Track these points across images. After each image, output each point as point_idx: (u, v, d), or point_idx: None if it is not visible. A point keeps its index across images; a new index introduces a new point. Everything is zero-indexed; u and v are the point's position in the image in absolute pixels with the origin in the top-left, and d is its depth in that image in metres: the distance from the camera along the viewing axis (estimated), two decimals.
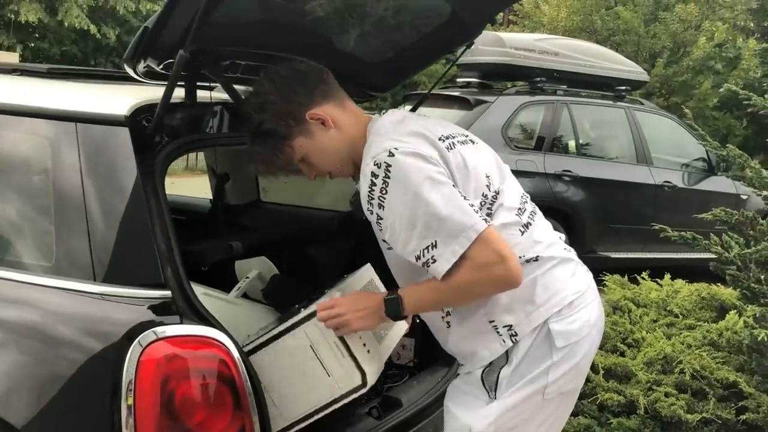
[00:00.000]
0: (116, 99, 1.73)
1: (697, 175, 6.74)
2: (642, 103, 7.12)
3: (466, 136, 1.69)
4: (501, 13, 16.85)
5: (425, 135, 1.55)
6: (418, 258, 1.46)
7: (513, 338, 1.56)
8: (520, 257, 1.55)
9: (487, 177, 1.60)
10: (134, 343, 1.39)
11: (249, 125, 1.66)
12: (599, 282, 4.16)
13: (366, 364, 1.58)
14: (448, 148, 1.55)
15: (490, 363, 1.58)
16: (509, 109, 6.04)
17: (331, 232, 2.48)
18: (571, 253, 1.72)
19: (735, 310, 3.36)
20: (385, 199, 1.45)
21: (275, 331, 1.63)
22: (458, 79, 7.22)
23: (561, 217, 5.98)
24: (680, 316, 3.51)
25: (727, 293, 3.59)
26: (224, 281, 2.37)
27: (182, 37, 1.52)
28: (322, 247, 2.62)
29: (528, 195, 1.72)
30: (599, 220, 6.17)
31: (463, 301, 1.56)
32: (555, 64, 6.40)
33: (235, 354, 1.45)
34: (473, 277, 1.45)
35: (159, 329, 1.42)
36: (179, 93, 1.75)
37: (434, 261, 1.44)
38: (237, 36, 1.91)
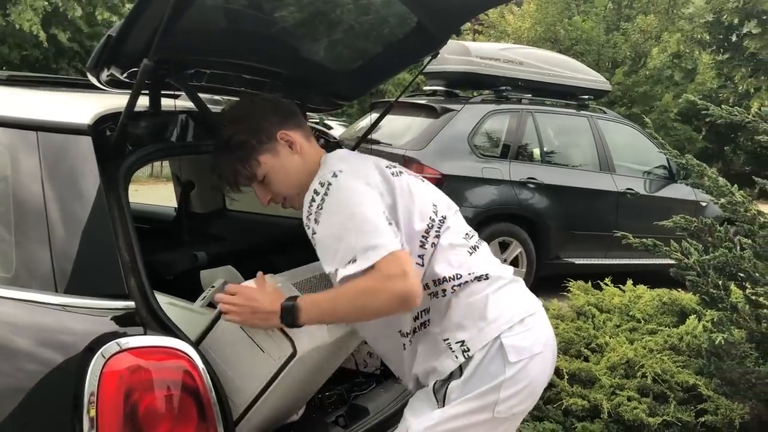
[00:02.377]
0: (79, 107, 1.71)
1: (658, 182, 6.88)
2: (605, 112, 7.25)
3: (416, 175, 1.79)
4: (467, 23, 17.03)
5: (373, 165, 1.66)
6: (340, 272, 1.50)
7: (465, 354, 1.59)
8: (469, 273, 1.62)
9: (434, 205, 1.68)
10: (97, 354, 1.37)
11: (220, 136, 1.73)
12: (563, 288, 4.24)
13: (296, 333, 1.59)
14: (394, 174, 1.66)
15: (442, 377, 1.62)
16: (475, 117, 6.10)
17: (298, 241, 2.47)
18: (519, 279, 1.77)
19: (694, 315, 3.44)
20: (320, 214, 1.53)
21: (211, 318, 1.69)
22: (425, 88, 7.26)
23: (526, 224, 6.05)
24: (642, 321, 3.58)
25: (687, 298, 3.67)
26: (190, 290, 2.35)
27: (146, 46, 1.51)
28: (288, 255, 2.61)
29: (475, 233, 1.79)
30: (563, 226, 6.26)
31: (360, 316, 1.59)
32: (520, 73, 6.48)
33: (200, 364, 1.44)
34: (374, 286, 1.47)
35: (122, 340, 1.40)
36: (143, 102, 1.74)
37: (348, 272, 1.49)
38: (202, 45, 1.90)
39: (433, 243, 1.62)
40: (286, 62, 2.18)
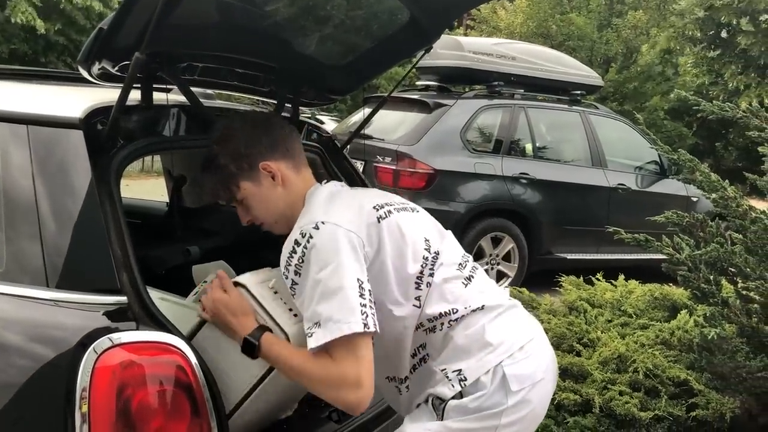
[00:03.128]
0: (70, 101, 1.69)
1: (650, 177, 6.91)
2: (597, 108, 7.27)
3: (405, 204, 1.73)
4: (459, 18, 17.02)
5: (358, 209, 1.60)
6: (307, 328, 1.48)
7: (462, 383, 1.57)
8: (465, 307, 1.60)
9: (426, 241, 1.64)
10: (89, 349, 1.36)
11: (207, 153, 1.74)
12: (555, 283, 4.25)
13: (289, 327, 1.58)
14: (381, 218, 1.60)
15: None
16: (468, 112, 6.10)
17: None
18: (517, 303, 1.74)
19: (686, 310, 3.46)
20: (301, 267, 1.49)
21: (193, 327, 1.68)
22: (417, 83, 7.26)
23: (518, 220, 6.07)
24: (634, 316, 3.60)
25: (678, 293, 3.69)
26: (182, 285, 2.34)
27: (138, 39, 1.49)
28: (281, 251, 2.60)
29: (470, 255, 1.76)
30: (556, 221, 6.28)
31: (306, 387, 1.59)
32: (512, 68, 6.49)
33: (193, 360, 1.43)
34: (328, 382, 1.46)
35: (114, 336, 1.39)
36: (135, 95, 1.72)
37: (310, 336, 1.46)
38: (194, 38, 1.89)
39: (428, 282, 1.60)
40: (279, 56, 2.17)
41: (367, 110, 7.21)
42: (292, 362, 1.50)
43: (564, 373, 3.11)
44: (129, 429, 1.36)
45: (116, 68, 1.69)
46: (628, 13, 15.01)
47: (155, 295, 2.17)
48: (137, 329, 1.44)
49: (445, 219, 5.67)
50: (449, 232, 1.77)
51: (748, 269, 2.77)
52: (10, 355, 1.47)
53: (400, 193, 6.87)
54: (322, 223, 1.51)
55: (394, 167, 5.72)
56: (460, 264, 1.68)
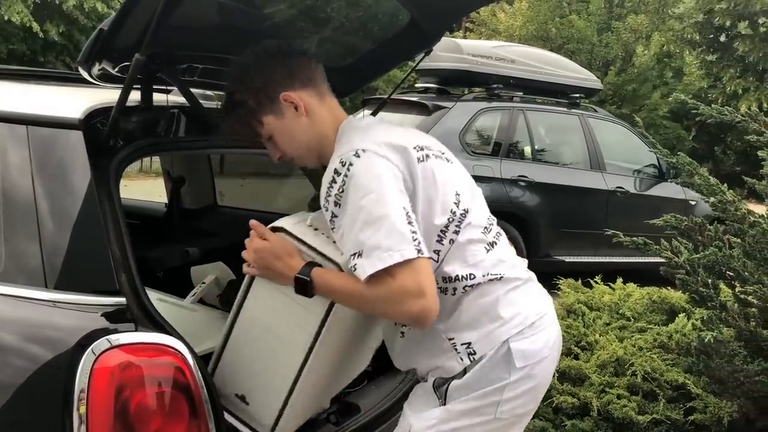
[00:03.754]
0: (70, 102, 1.69)
1: (648, 181, 6.91)
2: (596, 111, 7.28)
3: (443, 152, 1.63)
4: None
5: (397, 143, 1.51)
6: (348, 263, 1.43)
7: (471, 357, 1.53)
8: (484, 275, 1.55)
9: (457, 195, 1.57)
10: (87, 351, 1.36)
11: (225, 96, 1.65)
12: (553, 286, 4.25)
13: (335, 252, 1.51)
14: (419, 159, 1.52)
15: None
16: (467, 114, 6.11)
17: None
18: (533, 276, 1.71)
19: (684, 313, 3.46)
20: (341, 197, 1.43)
21: (241, 294, 1.63)
22: (417, 85, 7.26)
23: (516, 222, 6.07)
24: (632, 319, 3.60)
25: (676, 297, 3.69)
26: (181, 286, 2.33)
27: (138, 41, 1.49)
28: None
29: (494, 219, 1.70)
30: (554, 224, 6.28)
31: (370, 314, 1.56)
32: (511, 71, 6.49)
33: (191, 361, 1.43)
34: (391, 298, 1.40)
35: (113, 337, 1.39)
36: (135, 96, 1.73)
37: (355, 269, 1.41)
38: (194, 40, 1.89)
39: (452, 239, 1.53)
40: None
41: (367, 112, 7.21)
42: (348, 288, 1.44)
43: (562, 376, 3.11)
44: (127, 430, 1.36)
45: (116, 69, 1.69)
46: (627, 17, 15.03)
47: (153, 297, 2.18)
48: (136, 330, 1.43)
49: None
50: (480, 190, 1.70)
51: (746, 273, 2.77)
52: (8, 356, 1.47)
53: None
54: (363, 151, 1.44)
55: None
56: (485, 228, 1.61)
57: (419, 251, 1.39)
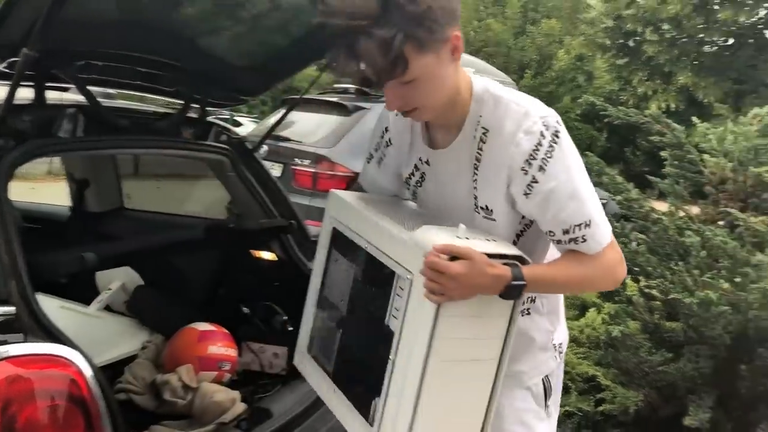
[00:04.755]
0: None
1: None
2: None
3: None
4: None
5: None
6: (566, 231, 1.33)
7: (560, 355, 1.60)
8: None
9: None
10: None
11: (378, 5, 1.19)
12: None
13: (515, 248, 1.36)
14: None
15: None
16: (386, 115, 6.11)
17: (200, 241, 2.40)
18: None
19: (594, 308, 3.58)
20: (548, 162, 1.30)
21: (424, 336, 1.24)
22: (336, 85, 7.23)
23: None
24: None
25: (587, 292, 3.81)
26: (88, 293, 2.23)
27: (26, 35, 1.41)
28: (190, 256, 2.53)
29: None
30: None
31: (577, 291, 1.62)
32: None
33: (87, 372, 1.36)
34: (612, 265, 1.37)
35: (0, 348, 1.31)
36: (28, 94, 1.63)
37: (584, 240, 1.33)
38: (92, 35, 1.80)
39: None
40: (185, 55, 2.11)
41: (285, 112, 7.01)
42: (565, 271, 1.35)
43: None
44: None
45: (4, 65, 1.59)
46: (542, 21, 15.47)
47: (54, 304, 2.07)
48: (25, 341, 1.35)
49: None
50: None
51: (650, 268, 2.89)
52: None
53: (320, 197, 6.78)
54: (557, 121, 1.33)
55: (313, 170, 5.66)
56: None
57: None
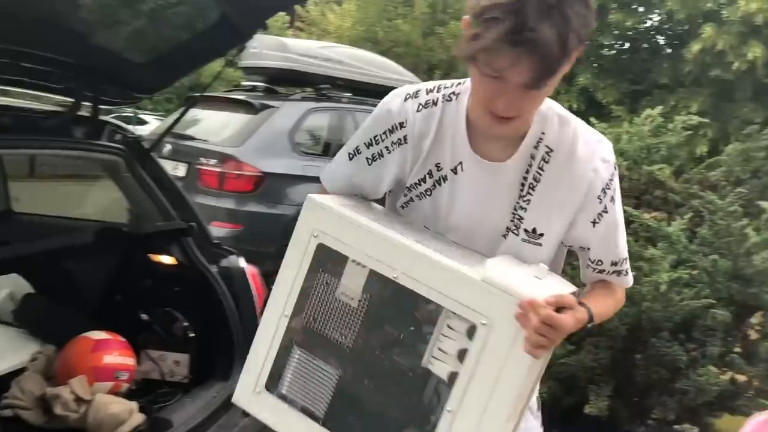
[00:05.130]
0: None
1: None
2: None
3: None
4: (288, 18, 16.96)
5: None
6: (614, 263, 1.35)
7: None
8: None
9: None
10: None
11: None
12: None
13: (571, 286, 1.30)
14: None
15: None
16: (295, 114, 6.05)
17: (94, 245, 2.29)
18: None
19: None
20: (616, 194, 1.31)
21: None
22: (243, 83, 7.10)
23: None
24: None
25: None
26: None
27: None
28: (83, 261, 2.41)
29: None
30: None
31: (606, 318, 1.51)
32: (339, 72, 6.53)
33: None
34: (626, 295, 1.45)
35: None
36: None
37: (626, 273, 1.37)
38: None
39: None
40: (76, 51, 2.00)
41: (191, 110, 6.85)
42: (610, 303, 1.37)
43: None
44: None
45: None
46: (450, 23, 15.75)
47: None
48: None
49: (274, 222, 5.64)
50: None
51: None
52: None
53: (226, 197, 6.60)
54: None
55: (219, 170, 5.53)
56: None
57: None
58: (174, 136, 6.17)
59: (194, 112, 6.59)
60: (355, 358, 1.23)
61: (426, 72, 14.64)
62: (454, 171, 1.29)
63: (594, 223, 1.30)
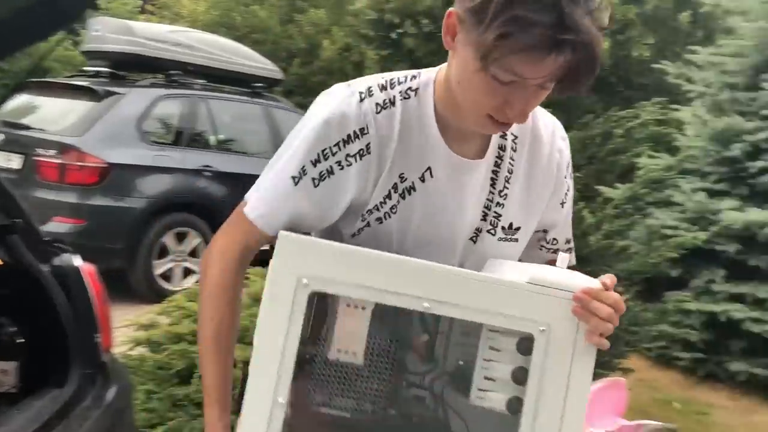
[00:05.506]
0: None
1: None
2: (278, 101, 7.42)
3: None
4: (140, 3, 16.12)
5: None
6: (568, 240, 1.30)
7: None
8: None
9: None
10: None
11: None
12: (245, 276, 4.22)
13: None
14: None
15: None
16: (143, 101, 5.77)
17: None
18: None
19: None
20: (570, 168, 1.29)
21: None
22: (86, 68, 6.66)
23: (203, 214, 5.91)
24: None
25: None
26: None
27: None
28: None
29: None
30: None
31: None
32: (190, 57, 6.30)
33: None
34: None
35: None
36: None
37: (573, 248, 1.32)
38: None
39: None
40: None
41: (25, 97, 6.45)
42: None
43: (247, 365, 3.09)
44: None
45: None
46: (309, 11, 15.65)
47: None
48: None
49: (123, 216, 5.37)
50: None
51: None
52: None
53: (68, 191, 6.25)
54: None
55: (59, 161, 5.17)
56: None
57: None
58: (6, 125, 5.71)
59: (31, 99, 6.12)
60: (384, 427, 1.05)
61: (285, 60, 14.48)
62: (422, 179, 1.12)
63: (563, 204, 1.25)
